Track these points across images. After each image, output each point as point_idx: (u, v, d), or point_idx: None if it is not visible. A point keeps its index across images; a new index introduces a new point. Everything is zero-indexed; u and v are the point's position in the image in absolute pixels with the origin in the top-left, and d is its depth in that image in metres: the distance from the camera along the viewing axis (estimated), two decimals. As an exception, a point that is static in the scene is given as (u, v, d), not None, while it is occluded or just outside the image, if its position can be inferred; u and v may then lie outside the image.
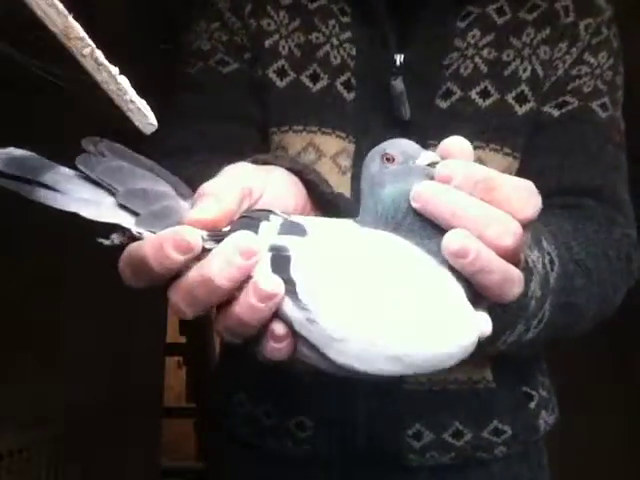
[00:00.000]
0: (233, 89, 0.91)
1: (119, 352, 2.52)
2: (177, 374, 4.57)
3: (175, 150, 0.86)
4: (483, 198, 0.49)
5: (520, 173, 0.88)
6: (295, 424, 0.88)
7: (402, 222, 0.52)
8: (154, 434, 2.54)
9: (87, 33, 0.49)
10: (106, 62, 0.49)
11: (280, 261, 0.49)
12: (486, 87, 0.88)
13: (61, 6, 0.47)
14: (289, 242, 0.50)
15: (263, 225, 0.51)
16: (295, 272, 0.49)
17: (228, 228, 0.51)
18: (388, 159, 0.56)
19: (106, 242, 0.54)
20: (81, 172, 0.53)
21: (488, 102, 0.87)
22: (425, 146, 0.71)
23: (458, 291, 0.49)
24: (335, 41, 0.88)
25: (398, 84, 0.85)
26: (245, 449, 0.95)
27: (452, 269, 0.49)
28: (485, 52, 0.89)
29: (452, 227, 0.49)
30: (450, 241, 0.48)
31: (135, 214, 0.52)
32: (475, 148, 0.79)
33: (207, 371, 3.92)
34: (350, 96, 0.87)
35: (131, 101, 0.51)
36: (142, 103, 0.52)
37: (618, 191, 0.90)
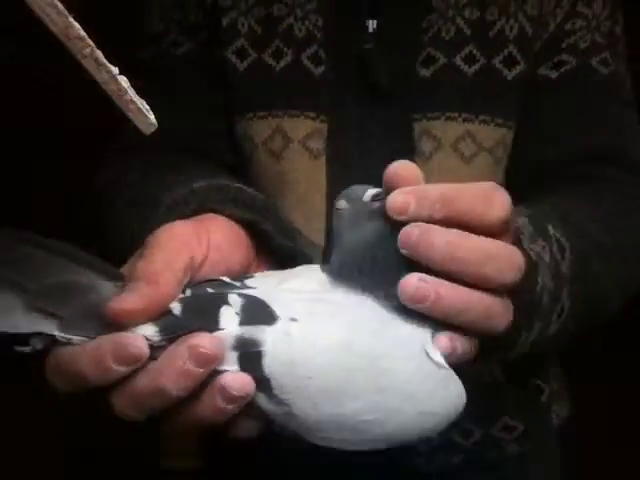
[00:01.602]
0: (190, 73, 0.85)
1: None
2: (177, 374, 4.56)
3: (133, 149, 0.82)
4: (446, 215, 0.46)
5: (520, 144, 0.83)
6: None
7: (365, 271, 0.46)
8: (154, 434, 2.53)
9: (87, 33, 0.49)
10: (106, 62, 0.49)
11: (250, 358, 0.43)
12: (471, 51, 0.81)
13: (61, 6, 0.47)
14: (257, 334, 0.43)
15: (223, 312, 0.44)
16: (269, 369, 0.43)
17: (179, 311, 0.43)
18: (338, 209, 0.51)
19: (26, 350, 0.43)
20: None
21: (474, 68, 0.80)
22: (409, 120, 0.76)
23: (431, 348, 0.45)
24: (299, 12, 0.79)
25: (372, 51, 0.78)
26: (247, 450, 0.92)
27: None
28: (467, 12, 0.81)
29: (447, 270, 0.45)
30: (404, 287, 0.44)
31: (56, 316, 0.43)
32: (464, 121, 0.79)
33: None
34: (319, 70, 0.80)
35: (131, 101, 0.51)
36: (142, 103, 0.51)
37: (633, 152, 0.83)
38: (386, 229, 0.47)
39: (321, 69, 0.80)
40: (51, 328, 0.42)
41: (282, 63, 0.80)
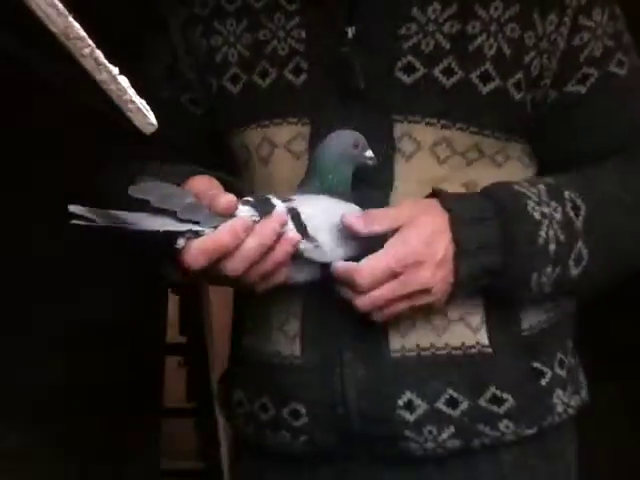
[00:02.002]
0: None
1: (119, 352, 2.52)
2: (177, 374, 4.57)
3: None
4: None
5: (561, 160, 0.93)
6: (289, 412, 0.88)
7: (341, 192, 0.83)
8: (154, 434, 2.54)
9: (87, 33, 0.49)
10: (106, 62, 0.49)
11: (295, 215, 0.79)
12: (450, 64, 0.86)
13: (61, 6, 0.47)
14: (294, 205, 0.80)
15: (273, 201, 0.79)
16: (305, 220, 0.79)
17: (253, 204, 0.78)
18: (357, 146, 0.84)
19: (178, 245, 0.74)
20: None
21: (452, 80, 0.86)
22: (390, 122, 0.87)
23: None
24: (281, 33, 0.90)
25: (349, 54, 0.86)
26: (248, 449, 0.97)
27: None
28: (447, 27, 0.86)
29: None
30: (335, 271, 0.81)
31: (194, 222, 0.74)
32: (442, 127, 0.87)
33: (207, 371, 3.92)
34: (300, 80, 0.89)
35: (131, 101, 0.51)
36: (142, 103, 0.52)
37: None
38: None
39: (303, 78, 0.89)
40: (195, 227, 0.74)
41: (267, 81, 0.91)
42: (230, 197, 0.76)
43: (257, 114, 0.91)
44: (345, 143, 0.83)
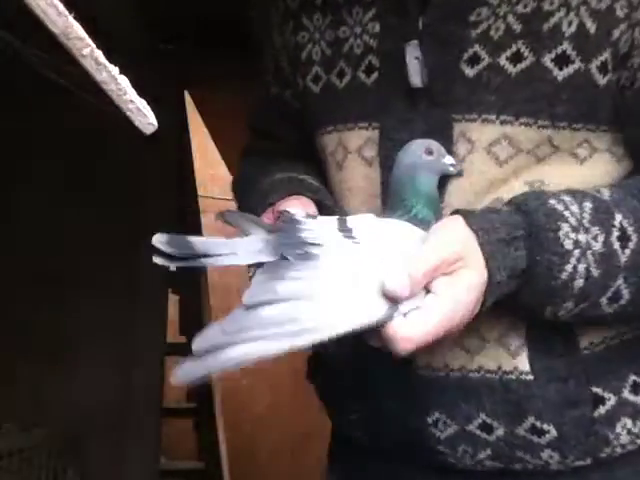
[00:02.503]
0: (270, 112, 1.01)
1: (119, 352, 2.52)
2: (177, 374, 4.56)
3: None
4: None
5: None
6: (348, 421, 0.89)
7: (412, 207, 0.75)
8: (154, 434, 2.54)
9: (87, 33, 0.49)
10: (106, 62, 0.49)
11: (343, 223, 0.73)
12: (518, 50, 0.76)
13: (61, 6, 0.47)
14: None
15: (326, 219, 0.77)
16: (350, 225, 0.73)
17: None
18: (431, 152, 0.76)
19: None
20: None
21: (519, 67, 0.76)
22: (449, 122, 0.80)
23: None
24: (358, 29, 0.85)
25: (411, 49, 0.79)
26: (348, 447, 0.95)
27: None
28: (520, 6, 0.77)
29: None
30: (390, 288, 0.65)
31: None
32: (501, 123, 0.77)
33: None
34: (371, 79, 0.84)
35: (131, 101, 0.51)
36: (142, 103, 0.51)
37: None
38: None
39: (374, 77, 0.84)
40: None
41: (344, 82, 0.86)
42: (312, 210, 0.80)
43: (333, 118, 0.87)
44: (414, 154, 0.76)
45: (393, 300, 0.64)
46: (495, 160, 0.78)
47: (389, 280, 0.64)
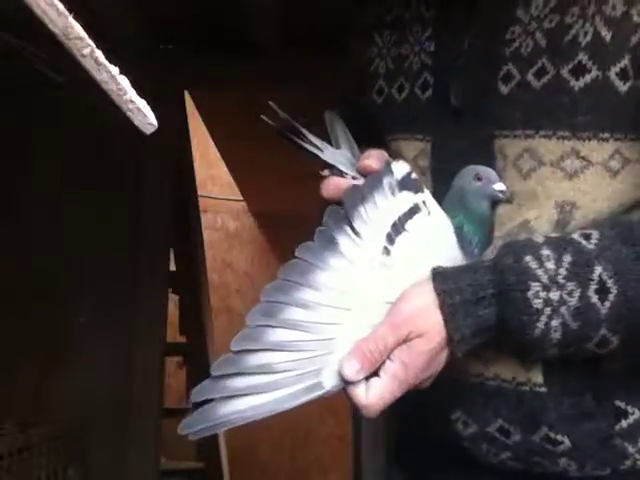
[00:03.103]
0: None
1: (119, 352, 2.52)
2: (177, 374, 4.56)
3: None
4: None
5: None
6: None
7: (460, 222, 0.79)
8: (154, 434, 2.54)
9: (87, 33, 0.49)
10: (106, 62, 0.49)
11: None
12: (543, 64, 0.78)
13: (61, 6, 0.47)
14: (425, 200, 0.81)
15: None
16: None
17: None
18: (480, 179, 0.79)
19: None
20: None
21: (542, 82, 0.78)
22: (490, 138, 0.82)
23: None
24: (417, 47, 0.90)
25: (455, 68, 0.84)
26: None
27: None
28: (547, 22, 0.79)
29: None
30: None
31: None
32: (525, 137, 0.79)
33: (207, 371, 3.90)
34: (425, 95, 0.88)
35: (131, 101, 0.51)
36: (142, 103, 0.51)
37: None
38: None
39: (428, 93, 0.88)
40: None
41: (403, 95, 0.91)
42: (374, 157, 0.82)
43: (393, 128, 0.92)
44: (464, 180, 0.80)
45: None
46: (519, 173, 0.80)
47: (344, 367, 0.70)
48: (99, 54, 0.49)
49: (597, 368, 0.79)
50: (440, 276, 0.74)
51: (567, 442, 0.78)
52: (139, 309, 2.54)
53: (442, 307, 0.72)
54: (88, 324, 2.53)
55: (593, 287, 0.72)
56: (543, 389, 0.79)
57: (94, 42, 0.49)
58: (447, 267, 0.75)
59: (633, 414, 0.79)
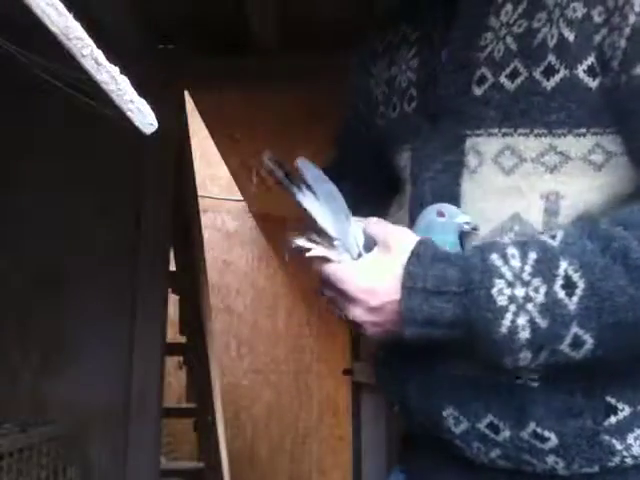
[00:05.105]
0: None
1: (119, 352, 2.52)
2: (177, 374, 4.57)
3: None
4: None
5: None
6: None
7: None
8: (154, 434, 2.54)
9: (87, 33, 0.49)
10: (106, 62, 0.49)
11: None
12: (515, 67, 0.82)
13: (61, 6, 0.47)
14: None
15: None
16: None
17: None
18: (442, 215, 0.83)
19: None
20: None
21: (517, 83, 0.82)
22: (462, 137, 0.87)
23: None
24: (404, 66, 0.98)
25: (434, 77, 0.91)
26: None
27: None
28: (516, 27, 0.84)
29: None
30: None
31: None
32: (503, 135, 0.83)
33: (207, 371, 3.92)
34: (410, 108, 0.95)
35: (131, 101, 0.51)
36: (142, 103, 0.51)
37: None
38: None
39: (413, 105, 0.95)
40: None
41: (395, 113, 0.98)
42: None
43: (391, 144, 0.98)
44: (428, 218, 0.85)
45: None
46: (502, 170, 0.83)
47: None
48: (99, 54, 0.49)
49: (591, 363, 0.77)
50: (415, 257, 0.78)
51: (554, 438, 0.79)
52: (139, 309, 2.54)
53: (403, 286, 0.76)
54: (88, 324, 2.53)
55: (559, 282, 0.72)
56: (535, 383, 0.80)
57: (94, 42, 0.49)
58: (430, 247, 0.79)
59: (623, 410, 0.79)
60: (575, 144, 0.79)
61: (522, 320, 0.72)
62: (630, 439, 0.79)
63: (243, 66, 2.66)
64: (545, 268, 0.73)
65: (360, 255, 0.82)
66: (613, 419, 0.79)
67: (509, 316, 0.73)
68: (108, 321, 2.54)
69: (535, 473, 0.82)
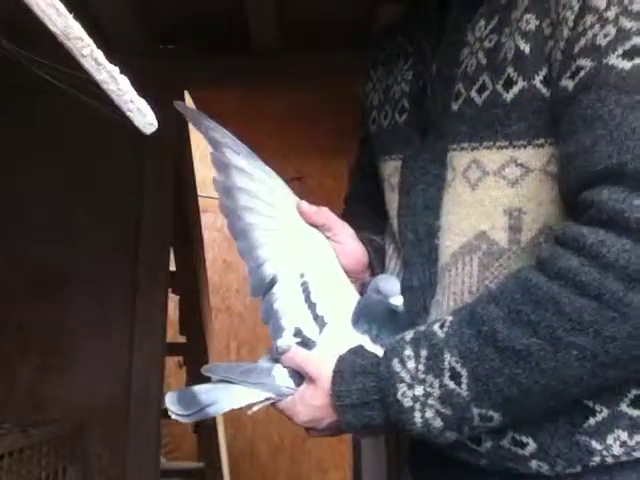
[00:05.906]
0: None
1: (119, 351, 2.52)
2: (177, 374, 4.57)
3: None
4: None
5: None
6: None
7: (369, 328, 0.90)
8: (154, 434, 2.54)
9: (87, 33, 0.49)
10: (106, 62, 0.49)
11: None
12: (484, 81, 0.84)
13: (61, 6, 0.47)
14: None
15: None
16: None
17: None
18: (379, 292, 0.88)
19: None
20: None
21: (483, 96, 0.84)
22: (444, 151, 0.89)
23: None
24: (399, 77, 1.00)
25: (423, 92, 0.93)
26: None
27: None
28: (487, 42, 0.85)
29: None
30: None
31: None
32: (472, 149, 0.85)
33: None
34: (402, 119, 0.98)
35: (131, 101, 0.51)
36: (142, 103, 0.51)
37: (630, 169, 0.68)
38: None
39: (404, 117, 0.97)
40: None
41: (387, 121, 1.01)
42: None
43: (380, 152, 1.02)
44: (367, 294, 0.91)
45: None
46: (468, 184, 0.85)
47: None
48: (99, 54, 0.49)
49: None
50: (338, 376, 0.84)
51: (532, 443, 0.81)
52: (139, 309, 2.54)
53: (334, 407, 0.85)
54: (88, 324, 2.53)
55: (447, 374, 0.77)
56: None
57: (94, 42, 0.49)
58: (348, 362, 0.85)
59: (601, 412, 0.79)
60: (535, 155, 0.80)
61: (430, 414, 0.78)
62: (610, 440, 0.79)
63: (243, 66, 2.66)
64: (434, 364, 0.78)
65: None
66: (592, 421, 0.79)
67: (417, 414, 0.78)
68: (108, 321, 2.54)
69: (526, 475, 0.83)
